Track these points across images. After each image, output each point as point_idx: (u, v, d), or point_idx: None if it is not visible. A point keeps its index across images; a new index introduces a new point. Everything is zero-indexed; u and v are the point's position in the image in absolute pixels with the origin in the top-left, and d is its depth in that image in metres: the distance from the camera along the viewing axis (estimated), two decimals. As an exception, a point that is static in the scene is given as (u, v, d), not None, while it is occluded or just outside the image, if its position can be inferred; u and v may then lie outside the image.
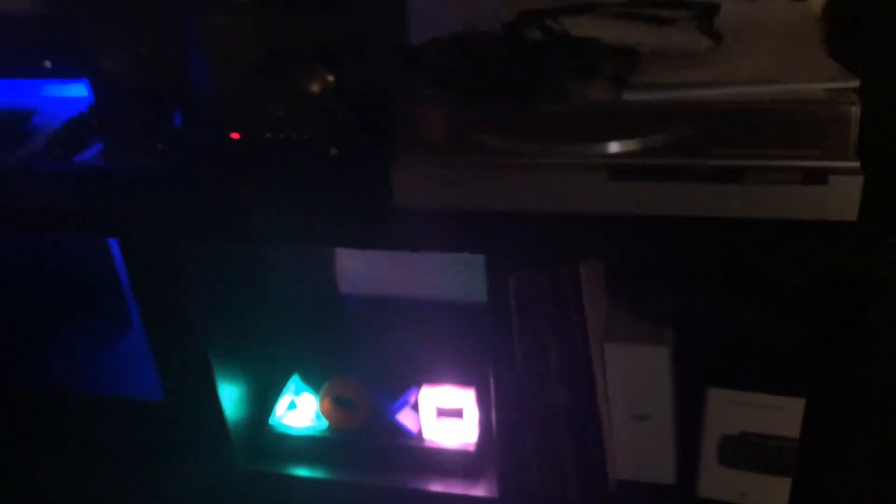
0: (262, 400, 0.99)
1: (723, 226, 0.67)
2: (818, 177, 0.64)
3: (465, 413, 0.92)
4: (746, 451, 0.82)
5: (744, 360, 0.82)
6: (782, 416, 0.80)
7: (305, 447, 0.96)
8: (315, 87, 0.80)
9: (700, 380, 0.82)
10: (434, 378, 0.94)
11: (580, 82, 0.70)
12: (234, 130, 0.85)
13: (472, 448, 0.92)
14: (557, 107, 0.68)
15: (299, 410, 0.98)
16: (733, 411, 0.81)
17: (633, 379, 0.83)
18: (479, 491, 0.90)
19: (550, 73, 0.70)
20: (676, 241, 0.68)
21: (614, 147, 0.68)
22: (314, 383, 0.98)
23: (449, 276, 1.17)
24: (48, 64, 1.01)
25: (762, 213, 0.66)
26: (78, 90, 1.09)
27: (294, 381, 0.99)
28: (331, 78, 0.80)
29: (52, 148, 0.89)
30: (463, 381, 0.93)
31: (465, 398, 0.92)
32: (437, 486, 0.92)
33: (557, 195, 0.70)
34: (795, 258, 0.67)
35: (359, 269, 1.22)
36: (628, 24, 0.79)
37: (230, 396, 0.93)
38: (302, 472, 0.95)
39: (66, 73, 1.01)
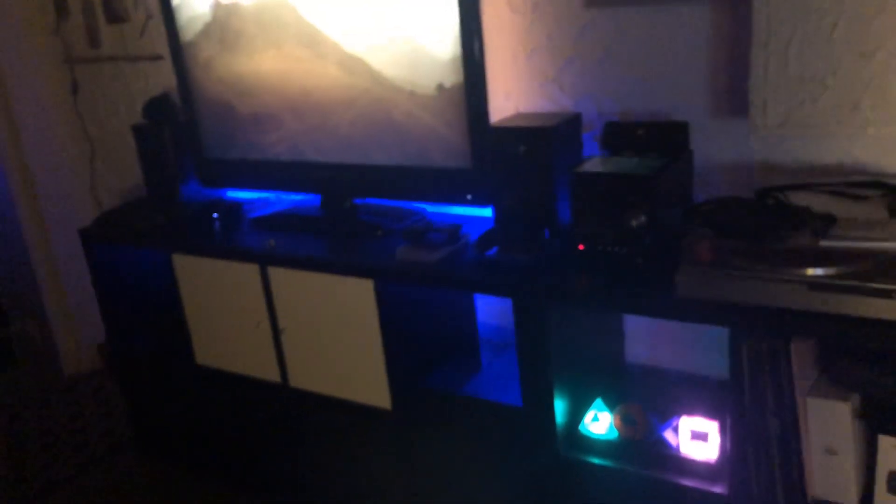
0: (576, 413, 1.56)
1: (876, 324, 1.13)
2: (940, 299, 1.08)
3: (709, 437, 1.41)
4: (907, 484, 1.22)
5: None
6: (932, 460, 1.19)
7: (602, 447, 1.50)
8: (634, 223, 1.38)
9: (875, 429, 1.23)
10: (690, 412, 1.44)
11: (794, 232, 1.21)
12: (581, 243, 1.46)
13: (713, 462, 1.40)
14: (778, 246, 1.20)
15: (600, 422, 1.53)
16: (897, 453, 1.22)
17: (825, 423, 1.27)
18: (716, 489, 1.38)
19: (774, 224, 1.22)
20: (846, 329, 1.15)
21: (812, 271, 1.17)
22: (611, 405, 1.53)
23: (703, 357, 1.68)
24: (469, 197, 1.71)
25: (906, 318, 1.11)
26: (483, 212, 1.79)
27: (597, 403, 1.55)
28: (644, 218, 1.38)
29: (477, 246, 1.57)
30: (710, 415, 1.42)
31: (710, 427, 1.41)
32: (687, 483, 1.40)
33: (775, 297, 1.20)
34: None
35: (641, 349, 1.77)
36: (833, 199, 1.29)
37: (559, 408, 1.51)
38: (599, 462, 1.49)
39: (478, 203, 1.71)
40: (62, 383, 2.87)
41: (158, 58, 2.33)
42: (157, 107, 2.18)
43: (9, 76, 2.53)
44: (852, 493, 1.29)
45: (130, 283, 2.25)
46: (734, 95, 1.51)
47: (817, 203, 1.27)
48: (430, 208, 1.94)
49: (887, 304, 1.12)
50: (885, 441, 1.23)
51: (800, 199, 1.30)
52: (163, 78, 2.35)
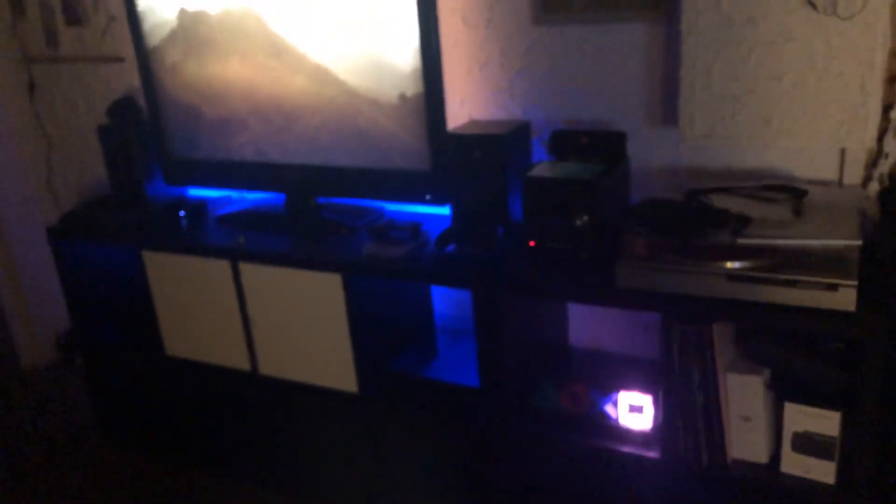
0: (527, 389, 1.74)
1: (784, 309, 1.33)
2: (834, 287, 1.29)
3: (644, 409, 1.61)
4: (808, 443, 1.44)
5: (808, 387, 1.44)
6: (828, 422, 1.41)
7: (551, 421, 1.69)
8: (578, 222, 1.56)
9: (782, 397, 1.45)
10: (627, 387, 1.64)
11: (714, 231, 1.41)
12: (532, 240, 1.63)
13: (647, 431, 1.60)
14: (703, 242, 1.40)
15: (547, 397, 1.71)
16: (800, 417, 1.43)
17: (741, 394, 1.48)
18: (650, 454, 1.58)
19: (699, 224, 1.41)
20: (759, 313, 1.35)
21: (731, 265, 1.37)
22: (558, 383, 1.72)
23: (637, 340, 1.88)
24: (428, 197, 1.86)
25: (807, 304, 1.32)
26: (439, 210, 1.95)
27: (546, 382, 1.73)
28: (586, 217, 1.56)
29: (437, 243, 1.73)
30: (645, 390, 1.62)
31: (645, 400, 1.61)
32: (626, 450, 1.60)
33: (700, 286, 1.40)
34: (821, 328, 1.32)
35: (583, 333, 1.97)
36: (747, 201, 1.50)
37: (512, 388, 1.69)
38: (550, 433, 1.67)
39: (436, 202, 1.86)
40: (20, 376, 2.92)
41: (120, 60, 2.40)
42: (122, 108, 2.25)
43: (-37, 73, 2.55)
44: (764, 453, 1.50)
45: (97, 279, 2.32)
46: (665, 107, 1.71)
47: (736, 205, 1.47)
48: (390, 207, 2.09)
49: (792, 292, 1.33)
50: (790, 408, 1.44)
51: (721, 201, 1.50)
52: (124, 79, 2.42)
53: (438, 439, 1.83)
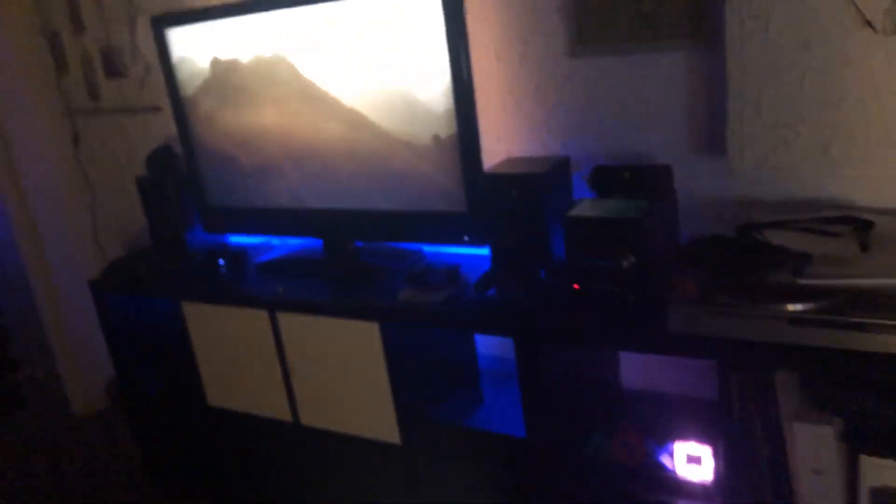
0: (577, 439, 1.64)
1: (853, 355, 1.22)
2: (909, 331, 1.18)
3: (703, 461, 1.50)
4: (888, 499, 1.31)
5: (885, 438, 1.32)
6: (909, 476, 1.28)
7: (605, 470, 1.59)
8: (625, 263, 1.48)
9: (856, 449, 1.33)
10: (684, 436, 1.53)
11: (772, 270, 1.30)
12: (576, 283, 1.55)
13: (708, 483, 1.49)
14: (760, 283, 1.29)
15: (599, 447, 1.62)
16: (878, 471, 1.31)
17: (810, 446, 1.36)
18: (711, 510, 1.47)
19: (755, 263, 1.31)
20: (826, 360, 1.25)
21: (792, 307, 1.27)
22: (610, 432, 1.62)
23: (693, 380, 1.78)
24: (466, 238, 1.80)
25: (879, 349, 1.21)
26: (480, 251, 1.89)
27: (597, 431, 1.64)
28: (633, 258, 1.47)
29: (477, 287, 1.66)
30: (704, 439, 1.51)
31: (704, 451, 1.50)
32: (684, 504, 1.50)
33: (759, 331, 1.30)
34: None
35: (636, 375, 1.87)
36: (807, 235, 1.39)
37: (561, 438, 1.60)
38: (603, 486, 1.58)
39: (475, 244, 1.80)
40: (72, 424, 2.93)
41: (157, 109, 2.41)
42: (160, 157, 2.26)
43: (11, 129, 2.60)
44: (839, 509, 1.38)
45: (140, 330, 2.32)
46: (712, 138, 1.61)
47: (794, 240, 1.37)
48: (429, 248, 2.03)
49: (862, 336, 1.22)
50: (865, 461, 1.32)
51: (778, 236, 1.40)
52: (162, 128, 2.43)
53: (485, 492, 1.75)
